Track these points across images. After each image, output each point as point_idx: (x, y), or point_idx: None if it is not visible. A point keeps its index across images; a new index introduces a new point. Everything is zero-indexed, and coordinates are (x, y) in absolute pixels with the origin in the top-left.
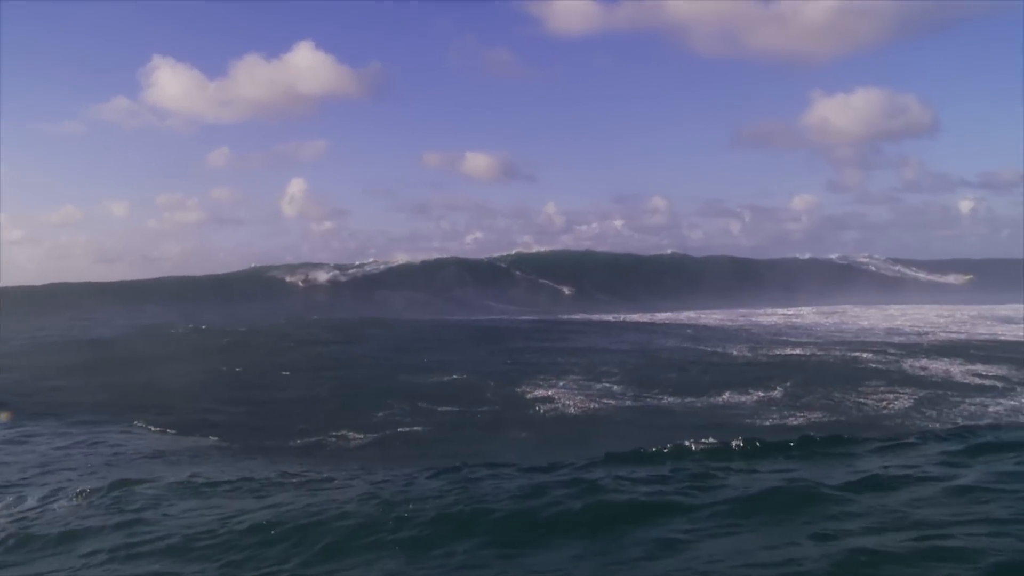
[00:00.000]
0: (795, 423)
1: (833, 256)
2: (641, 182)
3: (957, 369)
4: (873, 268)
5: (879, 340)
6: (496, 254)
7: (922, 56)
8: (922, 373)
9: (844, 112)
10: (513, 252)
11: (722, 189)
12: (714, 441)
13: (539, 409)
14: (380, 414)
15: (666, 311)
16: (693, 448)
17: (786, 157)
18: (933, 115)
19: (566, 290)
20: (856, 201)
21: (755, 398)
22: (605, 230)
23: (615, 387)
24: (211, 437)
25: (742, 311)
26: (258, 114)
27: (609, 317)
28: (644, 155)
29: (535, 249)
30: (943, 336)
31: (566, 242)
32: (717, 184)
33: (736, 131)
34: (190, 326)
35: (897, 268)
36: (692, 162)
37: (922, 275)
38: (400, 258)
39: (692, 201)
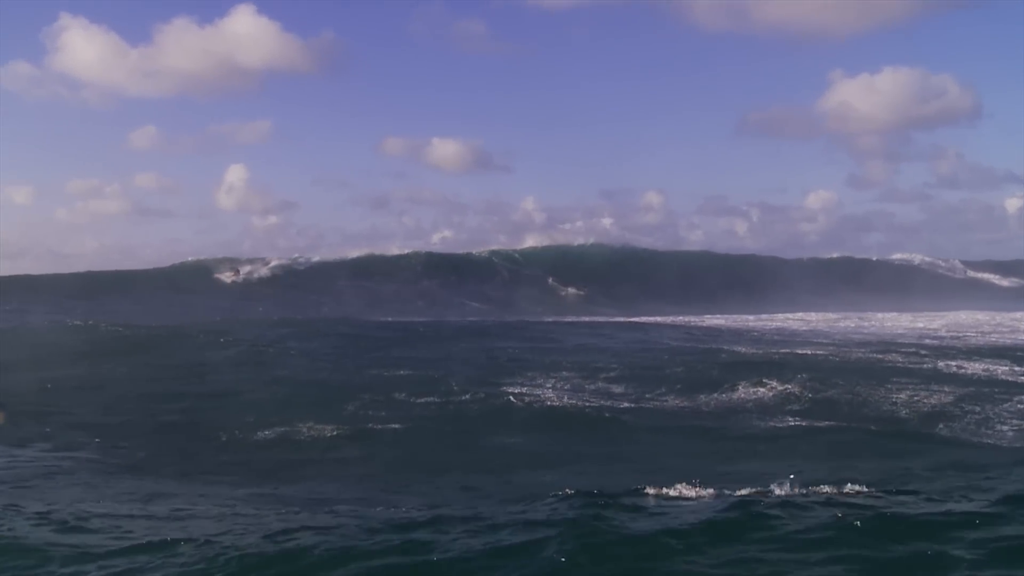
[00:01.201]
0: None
1: (873, 256)
2: (633, 175)
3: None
4: (927, 268)
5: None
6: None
7: (961, 30)
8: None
9: (868, 95)
10: (494, 248)
11: (726, 184)
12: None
13: (524, 412)
14: (324, 429)
15: (683, 314)
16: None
17: (800, 148)
18: (974, 98)
19: (566, 290)
20: (882, 199)
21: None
22: (592, 229)
23: (613, 387)
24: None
25: (762, 316)
26: (189, 88)
27: (614, 319)
28: (636, 144)
29: (526, 244)
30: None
31: (555, 239)
32: (720, 178)
33: (742, 117)
34: (95, 322)
35: (948, 267)
36: (691, 153)
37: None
38: (360, 251)
39: (691, 197)
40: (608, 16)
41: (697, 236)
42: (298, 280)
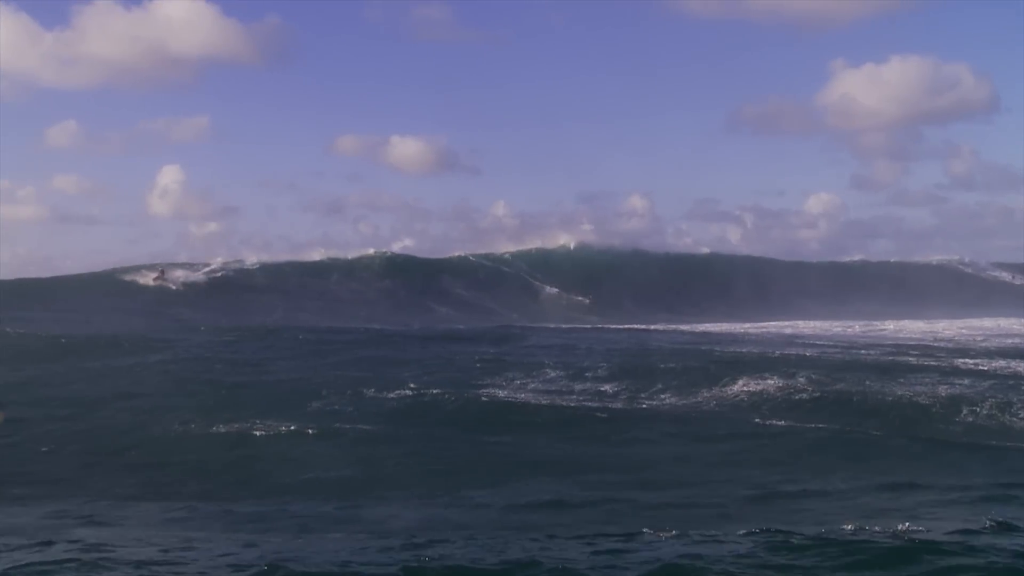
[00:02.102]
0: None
1: (892, 259)
2: (614, 177)
3: None
4: (968, 270)
5: None
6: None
7: (977, 14)
8: None
9: (874, 87)
10: (462, 253)
11: (717, 187)
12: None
13: (509, 412)
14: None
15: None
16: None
17: (799, 146)
18: (991, 90)
19: (545, 295)
20: (889, 202)
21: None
22: (570, 236)
23: (603, 386)
24: None
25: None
26: (115, 79)
27: (601, 326)
28: (618, 143)
29: (502, 248)
30: None
31: (531, 243)
32: (711, 180)
33: (735, 112)
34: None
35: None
36: (679, 152)
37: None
38: (318, 254)
39: (679, 201)
40: (587, 0)
41: (686, 244)
42: (246, 285)
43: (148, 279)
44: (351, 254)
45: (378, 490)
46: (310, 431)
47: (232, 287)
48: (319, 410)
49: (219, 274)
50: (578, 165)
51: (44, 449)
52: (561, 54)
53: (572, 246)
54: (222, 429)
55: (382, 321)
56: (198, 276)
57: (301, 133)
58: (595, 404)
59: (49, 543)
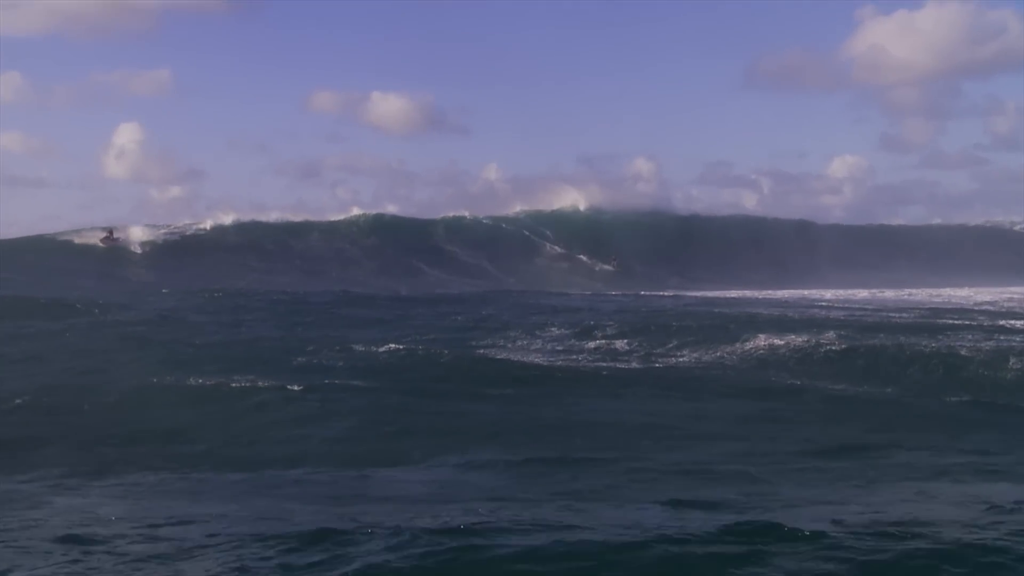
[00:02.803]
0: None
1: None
2: (618, 138)
3: None
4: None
5: None
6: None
7: None
8: None
9: (906, 37)
10: (456, 214)
11: (731, 148)
12: None
13: (511, 371)
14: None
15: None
16: None
17: (822, 103)
18: None
19: (549, 259)
20: (923, 164)
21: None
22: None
23: (615, 343)
24: None
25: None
26: (65, 27)
27: (612, 292)
28: (621, 101)
29: (503, 210)
30: None
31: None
32: (724, 141)
33: (750, 66)
34: None
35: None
36: (689, 111)
37: None
38: (295, 216)
39: (689, 164)
40: None
41: (698, 211)
42: (215, 246)
43: (96, 240)
44: (333, 216)
45: (381, 451)
46: (296, 388)
47: (199, 249)
48: (304, 366)
49: (186, 234)
50: (577, 125)
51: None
52: (558, 2)
53: (581, 207)
54: (199, 381)
55: (368, 285)
56: (159, 236)
57: (273, 88)
58: (606, 363)
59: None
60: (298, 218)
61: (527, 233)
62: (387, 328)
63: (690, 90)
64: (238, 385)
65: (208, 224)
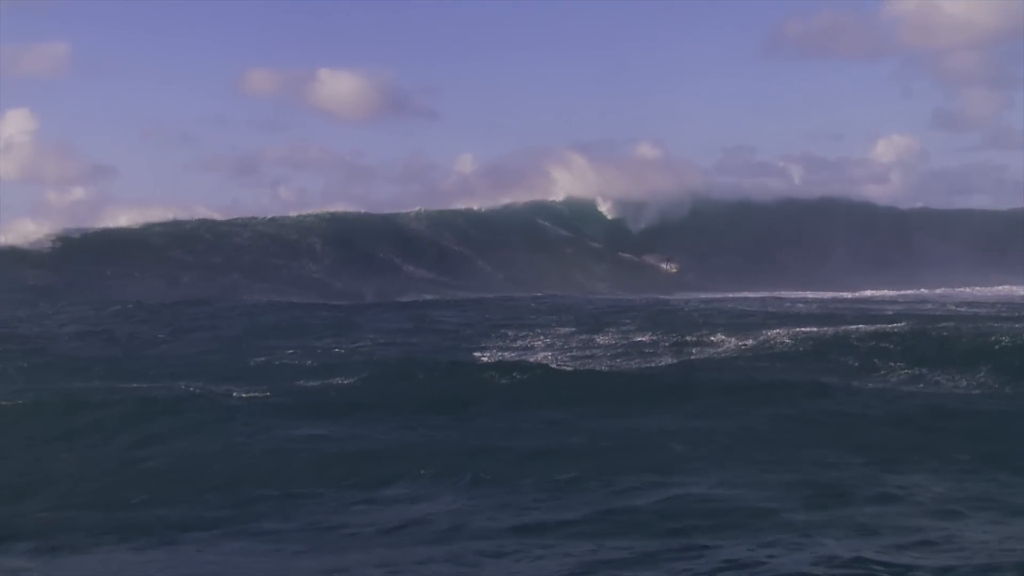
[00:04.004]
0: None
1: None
2: (616, 121)
3: None
4: None
5: None
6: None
7: None
8: None
9: None
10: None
11: (754, 130)
12: None
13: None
14: None
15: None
16: None
17: (862, 73)
18: None
19: (544, 259)
20: (986, 145)
21: None
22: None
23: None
24: None
25: None
26: None
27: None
28: (620, 77)
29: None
30: None
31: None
32: (745, 122)
33: (774, 31)
34: None
35: None
36: (701, 87)
37: None
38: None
39: (705, 151)
40: None
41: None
42: (129, 250)
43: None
44: (290, 212)
45: (384, 469)
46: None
47: (106, 254)
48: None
49: (90, 232)
50: (568, 106)
51: None
52: None
53: (576, 198)
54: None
55: (327, 293)
56: (46, 238)
57: (197, 66)
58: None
59: None
60: (237, 217)
61: (527, 225)
62: (360, 332)
63: (702, 62)
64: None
65: (122, 221)
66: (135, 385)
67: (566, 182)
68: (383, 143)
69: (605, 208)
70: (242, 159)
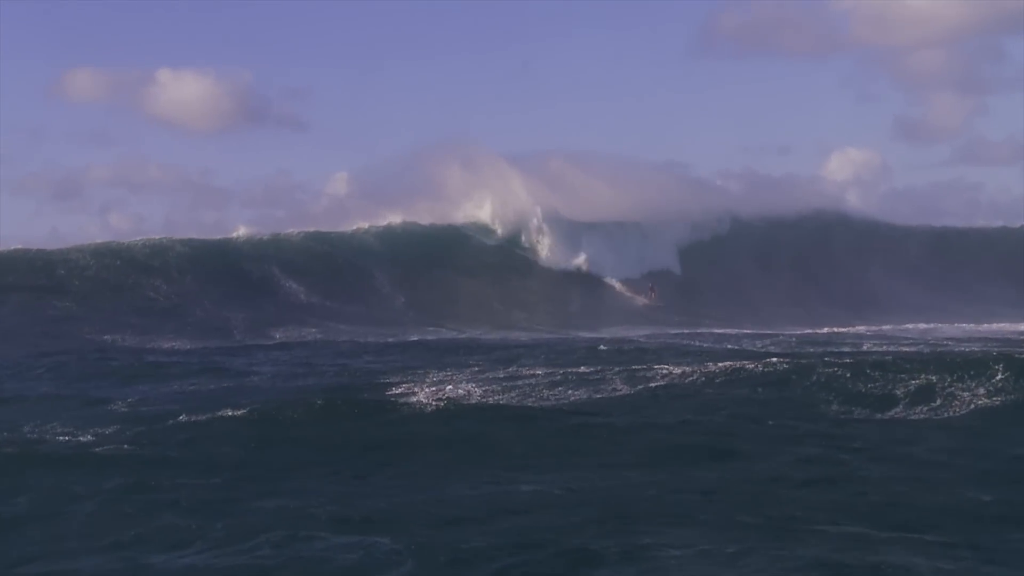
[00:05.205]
0: None
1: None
2: (525, 133)
3: None
4: None
5: None
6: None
7: None
8: None
9: None
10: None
11: (684, 143)
12: None
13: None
14: None
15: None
16: None
17: (808, 74)
18: None
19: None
20: (957, 159)
21: None
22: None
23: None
24: None
25: None
26: None
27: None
28: (529, 81)
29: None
30: None
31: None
32: (674, 134)
33: (706, 25)
34: None
35: None
36: (620, 93)
37: None
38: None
39: (627, 166)
40: None
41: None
42: None
43: None
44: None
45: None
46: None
47: None
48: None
49: None
50: (461, 116)
51: None
52: None
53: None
54: None
55: (160, 337)
56: None
57: (2, 66)
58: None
59: None
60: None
61: (395, 261)
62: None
63: (620, 63)
64: None
65: None
66: None
67: (489, 197)
68: (240, 159)
69: (530, 227)
70: (63, 180)
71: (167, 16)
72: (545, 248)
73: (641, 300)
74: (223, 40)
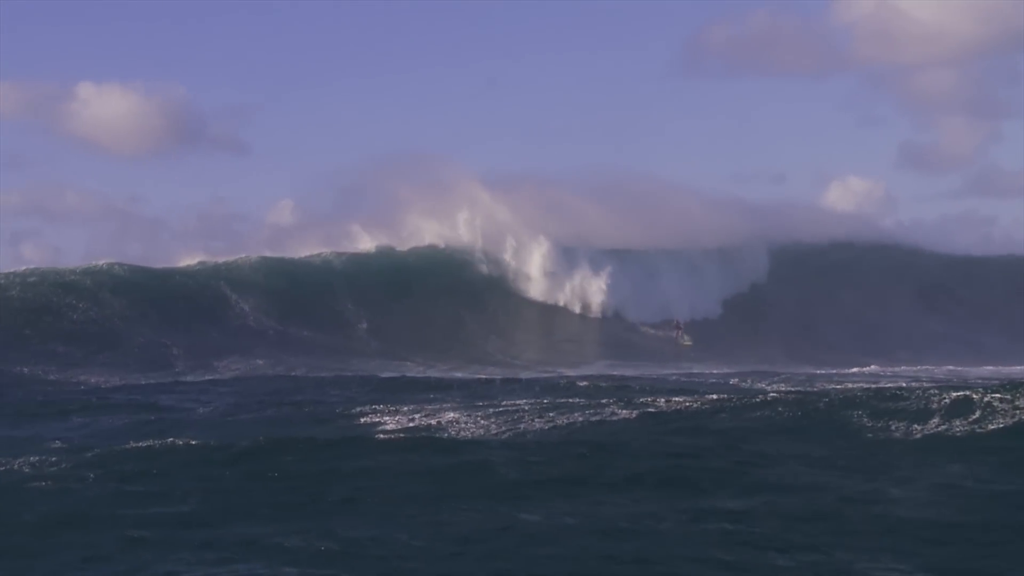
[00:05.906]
0: None
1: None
2: (485, 158)
3: None
4: None
5: None
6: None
7: None
8: None
9: None
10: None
11: (670, 168)
12: None
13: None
14: None
15: None
16: None
17: (805, 95)
18: None
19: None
20: (968, 189)
21: None
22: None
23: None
24: None
25: None
26: None
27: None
28: (497, 102)
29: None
30: None
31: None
32: (658, 160)
33: (695, 40)
34: None
35: None
36: (600, 115)
37: None
38: None
39: (607, 192)
40: None
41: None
42: None
43: None
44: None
45: None
46: None
47: None
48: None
49: None
50: (422, 139)
51: None
52: None
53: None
54: None
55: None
56: None
57: None
58: None
59: None
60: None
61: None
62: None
63: (601, 83)
64: None
65: None
66: None
67: (462, 218)
68: (171, 185)
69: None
70: None
71: (89, 23)
72: (524, 274)
73: (669, 339)
74: (153, 50)
